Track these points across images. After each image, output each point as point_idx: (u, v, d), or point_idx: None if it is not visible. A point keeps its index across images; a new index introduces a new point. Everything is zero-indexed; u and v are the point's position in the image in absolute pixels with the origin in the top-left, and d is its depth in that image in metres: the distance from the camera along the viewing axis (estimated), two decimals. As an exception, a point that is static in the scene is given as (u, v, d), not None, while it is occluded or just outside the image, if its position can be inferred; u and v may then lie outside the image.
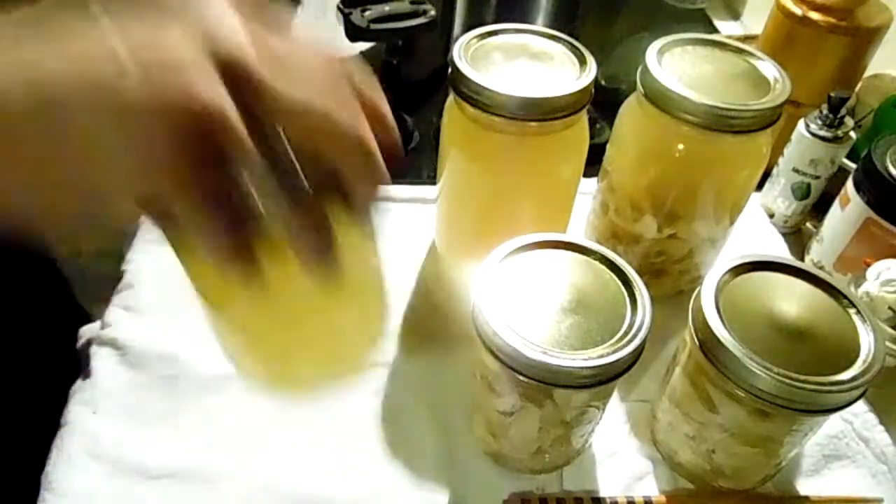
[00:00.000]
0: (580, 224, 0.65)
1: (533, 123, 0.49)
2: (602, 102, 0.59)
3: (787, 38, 0.69)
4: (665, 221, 0.56)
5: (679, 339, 0.47)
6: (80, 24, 0.22)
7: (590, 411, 0.45)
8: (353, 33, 0.69)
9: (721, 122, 0.49)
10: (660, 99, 0.50)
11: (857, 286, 0.54)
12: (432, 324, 0.58)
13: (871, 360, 0.40)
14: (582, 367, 0.39)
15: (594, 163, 0.59)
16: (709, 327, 0.41)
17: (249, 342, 0.35)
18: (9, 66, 0.21)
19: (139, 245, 0.64)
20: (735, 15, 1.09)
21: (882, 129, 0.66)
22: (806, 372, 0.39)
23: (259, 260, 0.25)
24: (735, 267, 0.45)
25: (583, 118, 0.53)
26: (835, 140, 0.63)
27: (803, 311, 0.43)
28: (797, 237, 0.71)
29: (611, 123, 0.58)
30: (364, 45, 0.88)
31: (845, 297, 0.44)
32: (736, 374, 0.40)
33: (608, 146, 0.59)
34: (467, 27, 0.59)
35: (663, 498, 0.49)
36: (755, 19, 1.02)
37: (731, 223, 0.58)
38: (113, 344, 0.55)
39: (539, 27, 0.55)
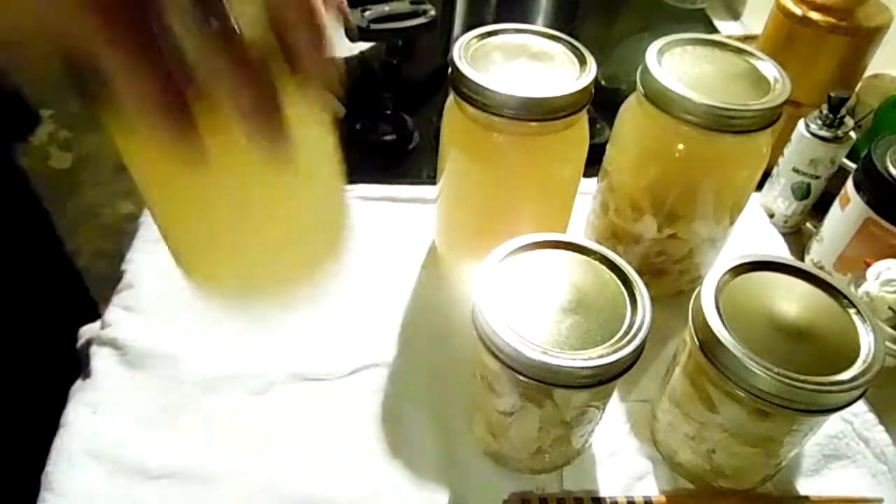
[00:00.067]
0: (580, 224, 0.65)
1: (533, 123, 0.49)
2: (602, 102, 0.59)
3: (787, 38, 0.69)
4: (665, 221, 0.56)
5: (679, 339, 0.47)
6: None
7: (590, 411, 0.45)
8: (354, 33, 0.69)
9: (721, 122, 0.49)
10: (660, 99, 0.50)
11: (857, 286, 0.54)
12: (432, 324, 0.58)
13: (871, 360, 0.40)
14: (582, 367, 0.39)
15: (594, 163, 0.59)
16: (709, 327, 0.41)
17: (196, 238, 0.32)
18: None
19: (139, 245, 0.64)
20: (735, 15, 1.09)
21: (882, 129, 0.66)
22: (806, 372, 0.39)
23: (198, 127, 0.23)
24: (735, 267, 0.45)
25: (583, 118, 0.53)
26: (835, 140, 0.63)
27: (803, 311, 0.43)
28: (797, 237, 0.71)
29: (611, 123, 0.58)
30: (364, 45, 0.88)
31: (845, 297, 0.44)
32: (736, 374, 0.40)
33: (608, 146, 0.59)
34: (467, 27, 0.59)
35: (663, 498, 0.49)
36: (755, 19, 1.02)
37: (731, 223, 0.58)
38: (113, 344, 0.55)
39: (539, 27, 0.55)
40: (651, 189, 0.55)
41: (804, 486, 0.50)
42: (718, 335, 0.41)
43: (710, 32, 1.02)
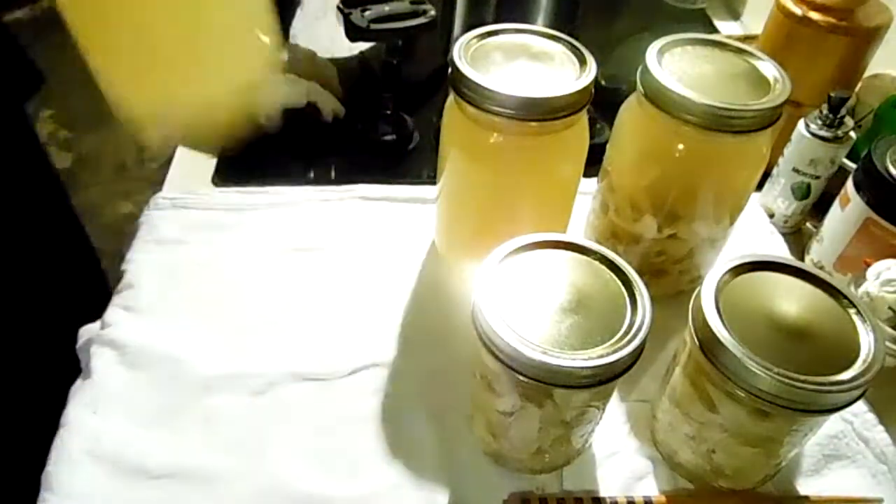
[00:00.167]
0: (580, 224, 0.65)
1: (533, 123, 0.49)
2: (602, 102, 0.60)
3: (787, 38, 0.69)
4: (665, 221, 0.56)
5: (679, 339, 0.47)
6: None
7: (590, 411, 0.45)
8: (353, 33, 0.69)
9: (721, 122, 0.49)
10: (660, 99, 0.50)
11: (857, 286, 0.54)
12: (432, 324, 0.58)
13: (871, 360, 0.40)
14: (582, 367, 0.39)
15: (594, 163, 0.59)
16: (709, 327, 0.41)
17: (117, 49, 0.31)
18: None
19: (139, 245, 0.64)
20: (735, 15, 1.09)
21: (882, 129, 0.66)
22: (806, 372, 0.39)
23: None
24: (735, 267, 0.45)
25: (583, 118, 0.53)
26: (835, 140, 0.63)
27: (803, 311, 0.43)
28: (797, 237, 0.71)
29: (611, 123, 0.58)
30: (364, 45, 0.88)
31: (845, 297, 0.44)
32: (736, 374, 0.40)
33: (608, 146, 0.59)
34: (467, 27, 0.59)
35: (663, 498, 0.49)
36: (755, 19, 1.02)
37: (731, 223, 0.58)
38: (113, 344, 0.55)
39: (539, 27, 0.55)
40: (651, 189, 0.55)
41: (804, 486, 0.50)
42: (718, 335, 0.41)
43: (710, 32, 1.02)
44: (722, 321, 0.42)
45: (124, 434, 0.50)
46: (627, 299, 0.43)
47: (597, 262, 0.45)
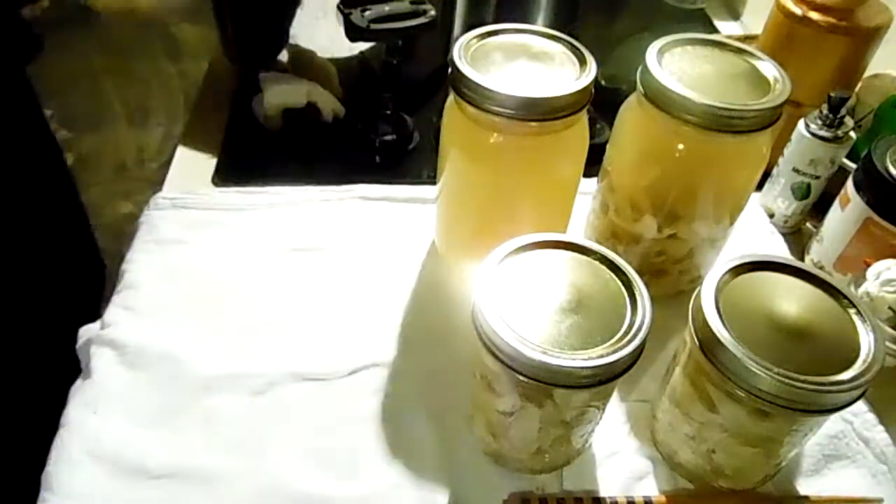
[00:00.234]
0: (580, 224, 0.65)
1: (533, 123, 0.49)
2: (602, 102, 0.59)
3: (787, 38, 0.69)
4: (665, 221, 0.56)
5: (679, 339, 0.47)
6: None
7: (590, 411, 0.45)
8: (353, 33, 0.69)
9: (721, 122, 0.49)
10: (660, 99, 0.50)
11: (857, 286, 0.54)
12: (432, 324, 0.58)
13: (871, 360, 0.40)
14: (582, 367, 0.39)
15: (594, 163, 0.59)
16: (709, 327, 0.41)
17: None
18: None
19: (139, 245, 0.64)
20: (735, 15, 1.09)
21: (882, 129, 0.66)
22: (806, 372, 0.39)
23: None
24: (735, 267, 0.45)
25: (583, 118, 0.53)
26: (835, 140, 0.63)
27: (803, 311, 0.43)
28: (797, 237, 0.71)
29: (611, 123, 0.58)
30: (364, 45, 0.88)
31: (845, 297, 0.44)
32: (736, 374, 0.40)
33: (608, 146, 0.59)
34: (467, 27, 0.59)
35: (663, 498, 0.49)
36: (755, 19, 1.02)
37: (731, 223, 0.58)
38: (113, 344, 0.55)
39: (539, 27, 0.55)
40: (651, 189, 0.55)
41: (804, 486, 0.50)
42: (718, 335, 0.41)
43: (710, 32, 1.02)
44: (722, 321, 0.41)
45: (124, 434, 0.50)
46: (627, 299, 0.43)
47: (597, 262, 0.45)
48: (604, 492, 0.49)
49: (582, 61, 0.52)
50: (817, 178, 0.65)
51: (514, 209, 0.56)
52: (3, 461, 0.80)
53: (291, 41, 0.86)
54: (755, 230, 0.69)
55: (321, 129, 0.77)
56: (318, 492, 0.48)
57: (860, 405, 0.52)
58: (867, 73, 0.71)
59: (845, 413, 0.52)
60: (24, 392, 0.82)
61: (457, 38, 0.52)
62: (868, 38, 0.67)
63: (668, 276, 0.60)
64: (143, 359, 0.54)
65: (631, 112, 0.56)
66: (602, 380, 0.40)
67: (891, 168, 0.55)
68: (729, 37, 0.75)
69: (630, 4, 1.09)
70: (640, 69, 0.52)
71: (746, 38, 0.82)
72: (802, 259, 0.66)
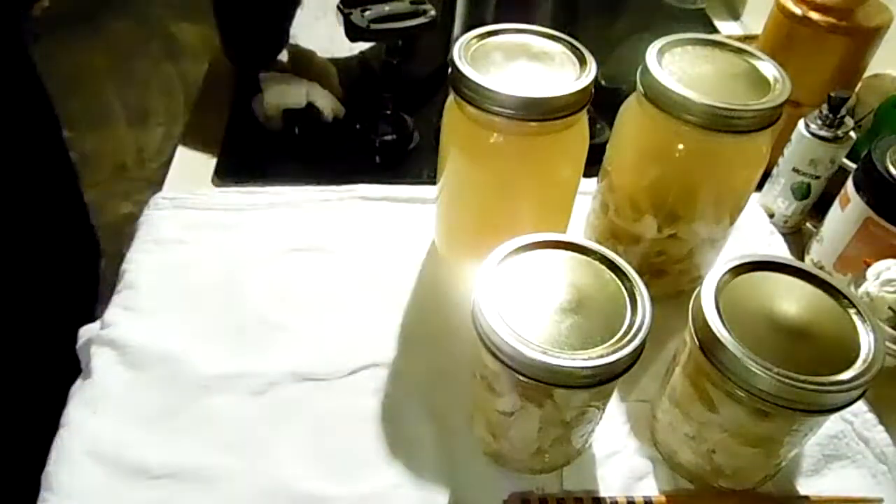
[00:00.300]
0: (580, 224, 0.65)
1: (533, 123, 0.49)
2: (602, 102, 0.59)
3: (787, 38, 0.69)
4: (665, 221, 0.56)
5: (679, 339, 0.47)
6: None
7: (590, 411, 0.45)
8: (353, 33, 0.69)
9: (721, 122, 0.49)
10: (660, 99, 0.50)
11: (857, 286, 0.54)
12: (432, 324, 0.58)
13: (871, 360, 0.40)
14: (582, 367, 0.39)
15: (594, 163, 0.59)
16: (709, 327, 0.41)
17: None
18: None
19: (139, 245, 0.64)
20: (735, 15, 1.09)
21: (882, 129, 0.66)
22: (806, 372, 0.39)
23: None
24: (735, 267, 0.45)
25: (583, 118, 0.53)
26: (835, 140, 0.63)
27: (803, 311, 0.43)
28: (797, 237, 0.71)
29: (611, 123, 0.58)
30: (364, 45, 0.88)
31: (845, 297, 0.44)
32: (736, 374, 0.40)
33: (608, 146, 0.59)
34: (467, 27, 0.59)
35: (663, 498, 0.49)
36: (755, 19, 1.02)
37: (731, 223, 0.58)
38: (113, 344, 0.55)
39: (539, 27, 0.55)
40: (651, 189, 0.55)
41: (804, 486, 0.50)
42: (718, 335, 0.41)
43: (710, 32, 1.02)
44: (722, 321, 0.41)
45: (124, 434, 0.50)
46: (627, 299, 0.43)
47: (597, 262, 0.45)
48: (604, 492, 0.49)
49: (582, 61, 0.52)
50: (817, 178, 0.65)
51: (514, 209, 0.56)
52: (3, 461, 0.80)
53: (291, 41, 0.86)
54: (755, 230, 0.69)
55: (321, 129, 0.77)
56: (318, 492, 0.48)
57: (860, 405, 0.52)
58: (867, 73, 0.71)
59: (845, 413, 0.52)
60: (24, 392, 0.82)
61: (457, 38, 0.52)
62: (868, 38, 0.67)
63: (668, 276, 0.60)
64: (143, 359, 0.54)
65: (631, 112, 0.56)
66: (602, 380, 0.40)
67: (891, 168, 0.55)
68: (729, 37, 0.75)
69: (630, 4, 1.09)
70: (640, 69, 0.52)
71: (746, 38, 0.82)
72: (802, 259, 0.66)
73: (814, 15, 0.66)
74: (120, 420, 0.51)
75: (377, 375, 0.55)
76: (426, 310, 0.60)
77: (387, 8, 0.70)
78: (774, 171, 0.69)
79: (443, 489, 0.48)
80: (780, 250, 0.67)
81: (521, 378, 0.40)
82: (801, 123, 0.64)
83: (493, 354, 0.41)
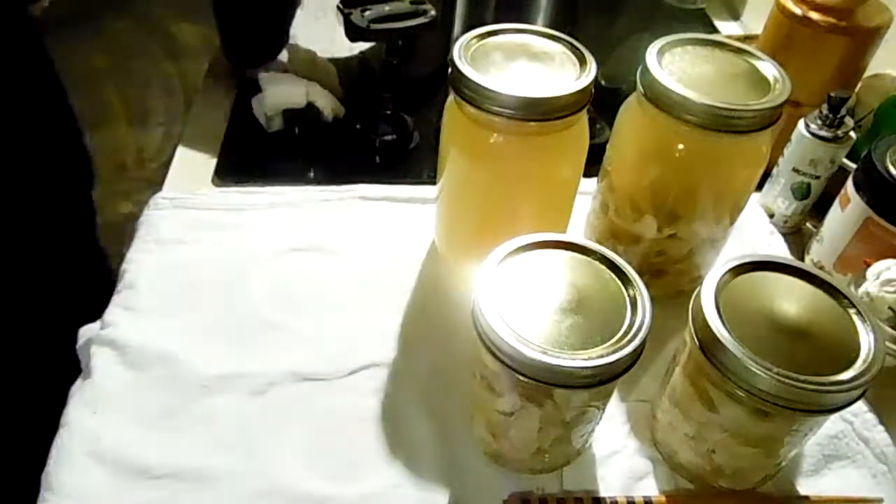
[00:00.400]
0: (580, 224, 0.65)
1: (533, 123, 0.49)
2: (602, 102, 0.60)
3: (787, 38, 0.69)
4: (665, 221, 0.56)
5: (679, 339, 0.47)
6: None
7: (590, 411, 0.45)
8: (353, 33, 0.69)
9: (721, 122, 0.49)
10: (660, 99, 0.50)
11: (857, 286, 0.54)
12: (432, 324, 0.58)
13: (871, 360, 0.40)
14: (582, 367, 0.39)
15: (594, 163, 0.59)
16: (709, 327, 0.41)
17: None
18: None
19: (139, 245, 0.64)
20: (735, 15, 1.09)
21: (882, 129, 0.66)
22: (806, 372, 0.39)
23: None
24: (735, 267, 0.45)
25: (583, 118, 0.53)
26: (835, 140, 0.63)
27: (803, 311, 0.43)
28: (797, 237, 0.71)
29: (611, 123, 0.58)
30: (364, 45, 0.88)
31: (845, 297, 0.44)
32: (736, 374, 0.40)
33: (608, 146, 0.59)
34: (467, 27, 0.59)
35: (663, 498, 0.49)
36: (755, 19, 1.02)
37: (731, 223, 0.58)
38: (113, 344, 0.55)
39: (539, 27, 0.55)
40: (651, 189, 0.55)
41: (804, 486, 0.50)
42: (718, 335, 0.41)
43: (710, 32, 1.02)
44: (722, 321, 0.41)
45: (124, 434, 0.50)
46: (627, 299, 0.43)
47: (597, 262, 0.45)
48: (604, 492, 0.49)
49: (582, 61, 0.52)
50: (817, 178, 0.65)
51: (514, 209, 0.56)
52: (3, 461, 0.80)
53: (291, 41, 0.86)
54: (755, 230, 0.69)
55: (321, 129, 0.77)
56: (317, 492, 0.48)
57: (860, 405, 0.52)
58: (867, 73, 0.71)
59: (845, 413, 0.52)
60: (24, 392, 0.82)
61: (457, 38, 0.52)
62: (868, 38, 0.67)
63: (668, 276, 0.60)
64: (143, 359, 0.54)
65: (631, 112, 0.56)
66: (602, 380, 0.40)
67: (891, 168, 0.55)
68: (729, 37, 0.75)
69: (630, 4, 1.09)
70: (640, 69, 0.52)
71: (746, 38, 0.82)
72: (802, 259, 0.66)
73: (814, 15, 0.66)
74: (120, 420, 0.51)
75: (377, 375, 0.55)
76: (426, 310, 0.60)
77: (387, 8, 0.70)
78: (774, 171, 0.69)
79: (443, 489, 0.48)
80: (780, 250, 0.67)
81: (521, 378, 0.40)
82: (801, 123, 0.64)
83: (493, 354, 0.41)
